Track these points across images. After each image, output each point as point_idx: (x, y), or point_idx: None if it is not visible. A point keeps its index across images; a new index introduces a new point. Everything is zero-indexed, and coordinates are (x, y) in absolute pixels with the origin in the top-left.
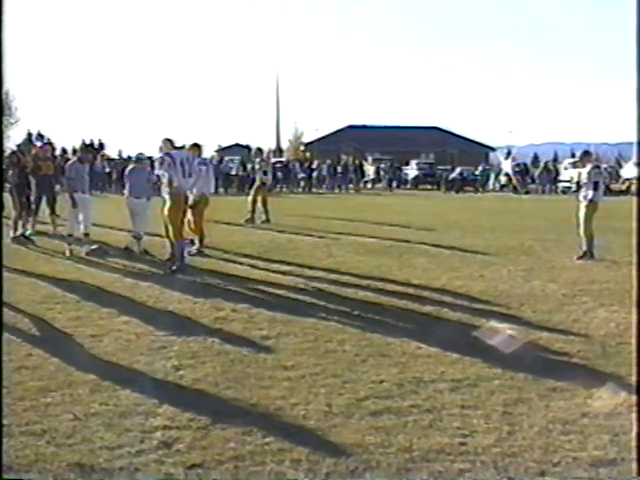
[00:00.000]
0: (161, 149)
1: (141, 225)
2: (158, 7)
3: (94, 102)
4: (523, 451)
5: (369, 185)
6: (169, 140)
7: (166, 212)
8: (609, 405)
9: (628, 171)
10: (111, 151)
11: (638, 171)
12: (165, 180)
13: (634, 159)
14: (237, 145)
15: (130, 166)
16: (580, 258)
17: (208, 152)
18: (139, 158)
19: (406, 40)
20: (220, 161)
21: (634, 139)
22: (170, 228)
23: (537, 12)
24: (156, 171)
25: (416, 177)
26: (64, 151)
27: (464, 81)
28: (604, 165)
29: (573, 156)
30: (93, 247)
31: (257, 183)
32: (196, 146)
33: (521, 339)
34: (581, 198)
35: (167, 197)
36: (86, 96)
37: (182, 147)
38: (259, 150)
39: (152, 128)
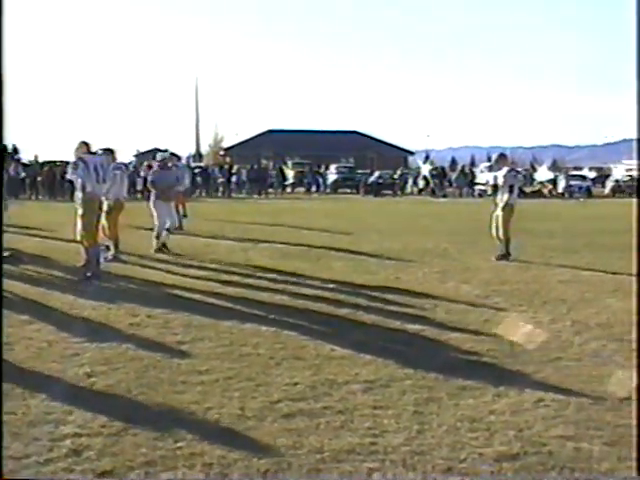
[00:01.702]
0: (76, 152)
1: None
2: (75, 9)
3: (7, 105)
4: (432, 449)
5: (289, 189)
6: (85, 144)
7: (79, 218)
8: (515, 402)
9: (542, 174)
10: (26, 156)
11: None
12: (78, 185)
13: (546, 163)
14: (156, 150)
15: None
16: (499, 259)
17: (127, 157)
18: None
19: (326, 45)
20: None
21: (548, 143)
22: (84, 234)
23: (452, 17)
24: (68, 176)
25: (335, 181)
26: None
27: (384, 86)
28: (519, 168)
29: (489, 160)
30: (6, 254)
31: None
32: (110, 151)
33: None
34: (498, 201)
35: (80, 202)
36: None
37: (95, 152)
38: (166, 157)
39: (70, 133)
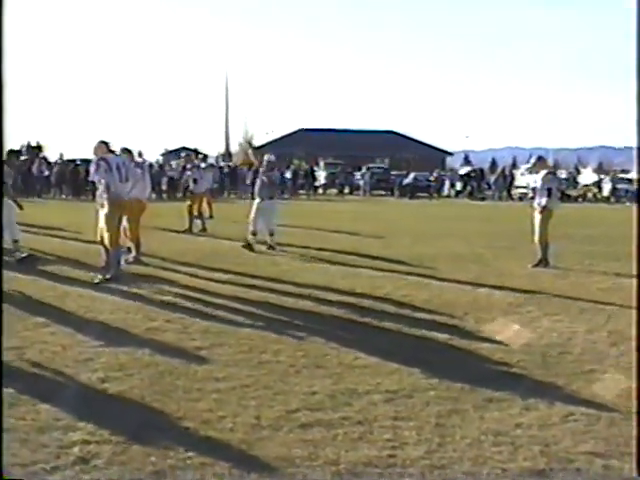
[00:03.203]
0: (96, 152)
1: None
2: (104, 7)
3: (33, 100)
4: (452, 463)
5: (320, 191)
6: (105, 143)
7: (103, 218)
8: (543, 416)
9: (586, 177)
10: (51, 154)
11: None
12: (102, 186)
13: (592, 165)
14: (184, 149)
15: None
16: (535, 266)
17: (153, 155)
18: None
19: (361, 43)
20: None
21: (594, 144)
22: (106, 235)
23: (492, 16)
24: (91, 177)
25: (368, 182)
26: None
27: (421, 85)
28: (562, 171)
29: None
30: (24, 254)
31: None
32: (127, 151)
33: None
34: (535, 205)
35: (104, 203)
36: (24, 94)
37: (114, 151)
38: (188, 155)
39: (95, 130)
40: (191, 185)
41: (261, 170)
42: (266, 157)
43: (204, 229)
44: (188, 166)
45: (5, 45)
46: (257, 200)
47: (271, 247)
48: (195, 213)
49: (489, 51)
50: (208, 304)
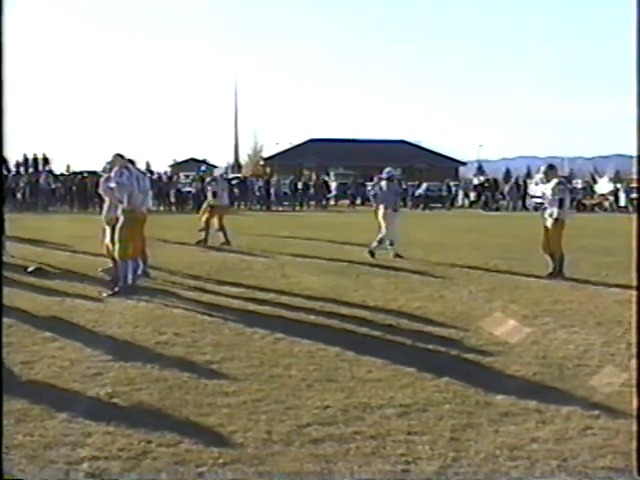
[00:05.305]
0: (114, 165)
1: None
2: (108, 17)
3: (38, 113)
4: (467, 478)
5: (332, 202)
6: (121, 156)
7: (119, 229)
8: (560, 430)
9: (602, 187)
10: (58, 166)
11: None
12: (124, 195)
13: (608, 174)
14: (193, 160)
15: (383, 182)
16: (550, 275)
17: (161, 167)
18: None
19: (372, 51)
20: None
21: (610, 152)
22: (117, 246)
23: (507, 25)
24: (111, 184)
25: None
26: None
27: (433, 93)
28: (577, 180)
29: None
30: (31, 268)
31: (206, 204)
32: (131, 162)
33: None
34: (546, 216)
35: (121, 214)
36: (30, 106)
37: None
38: (209, 169)
39: (103, 141)
40: (210, 198)
41: (386, 182)
42: (389, 169)
43: (227, 242)
44: (208, 179)
45: (5, 52)
46: (388, 210)
47: (398, 255)
48: (216, 227)
49: (502, 58)
50: (218, 317)
